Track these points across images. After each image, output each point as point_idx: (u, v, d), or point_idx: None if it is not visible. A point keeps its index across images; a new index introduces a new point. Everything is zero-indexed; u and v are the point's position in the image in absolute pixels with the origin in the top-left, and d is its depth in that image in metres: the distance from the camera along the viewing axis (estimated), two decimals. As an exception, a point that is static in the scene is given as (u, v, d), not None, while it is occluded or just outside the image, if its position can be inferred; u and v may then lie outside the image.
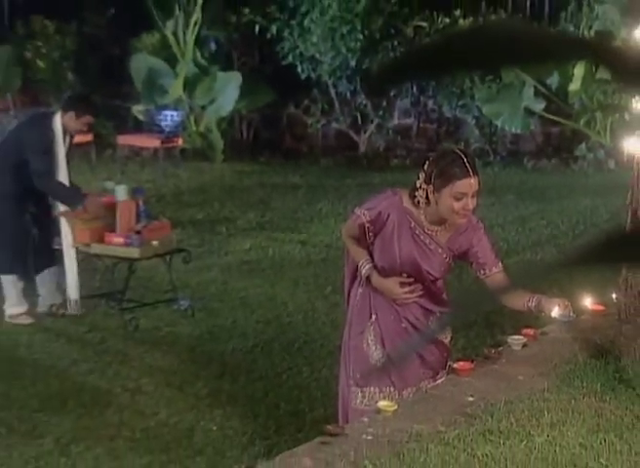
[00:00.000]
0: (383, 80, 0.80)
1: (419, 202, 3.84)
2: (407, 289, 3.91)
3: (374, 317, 4.00)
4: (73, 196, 6.85)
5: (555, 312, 3.90)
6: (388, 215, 3.89)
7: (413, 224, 3.89)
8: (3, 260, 6.92)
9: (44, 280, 7.02)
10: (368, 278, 3.95)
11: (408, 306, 3.96)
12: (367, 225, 3.92)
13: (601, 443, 3.49)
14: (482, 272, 3.95)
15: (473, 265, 3.97)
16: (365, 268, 3.93)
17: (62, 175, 6.81)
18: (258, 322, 6.92)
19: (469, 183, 3.72)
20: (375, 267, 3.93)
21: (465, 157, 3.78)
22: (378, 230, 3.91)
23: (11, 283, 6.93)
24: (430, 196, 3.78)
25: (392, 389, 3.96)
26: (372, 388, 3.98)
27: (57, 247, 6.90)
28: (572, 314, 4.00)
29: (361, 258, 3.96)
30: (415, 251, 3.90)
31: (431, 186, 3.76)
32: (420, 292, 3.95)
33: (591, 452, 3.43)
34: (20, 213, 6.83)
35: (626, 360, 4.24)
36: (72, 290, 6.99)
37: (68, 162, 6.92)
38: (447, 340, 4.10)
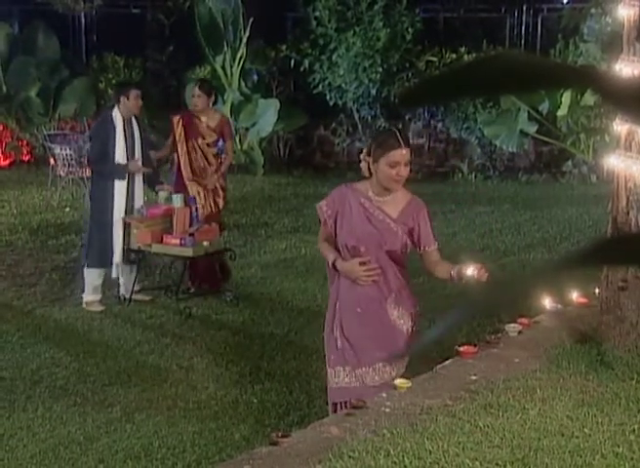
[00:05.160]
0: (405, 103, 0.79)
1: (362, 173, 3.82)
2: (365, 267, 3.77)
3: (337, 305, 3.91)
4: (117, 171, 6.76)
5: (470, 272, 3.70)
6: (340, 199, 3.86)
7: (362, 200, 3.83)
8: (95, 255, 6.87)
9: (124, 271, 7.04)
10: (334, 266, 3.84)
11: (364, 291, 3.81)
12: (325, 209, 3.89)
13: (585, 415, 3.46)
14: (421, 248, 3.85)
15: (415, 242, 3.85)
16: (330, 258, 3.84)
17: (120, 152, 6.74)
18: (292, 310, 6.91)
19: (401, 153, 3.70)
20: (338, 256, 3.84)
21: (399, 133, 3.76)
22: (334, 215, 3.86)
23: (95, 275, 6.91)
24: (371, 166, 3.76)
25: (349, 368, 3.84)
26: (337, 367, 3.88)
27: (125, 247, 6.90)
28: (485, 276, 3.73)
29: (329, 253, 3.88)
30: (367, 222, 3.81)
31: (371, 158, 3.75)
32: (378, 271, 3.80)
33: (577, 423, 3.40)
34: (108, 213, 6.83)
35: (607, 345, 4.21)
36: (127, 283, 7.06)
37: (133, 140, 6.83)
38: (405, 328, 3.85)
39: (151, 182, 7.11)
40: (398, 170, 3.71)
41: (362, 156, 3.81)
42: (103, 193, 6.79)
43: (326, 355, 3.99)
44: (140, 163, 6.88)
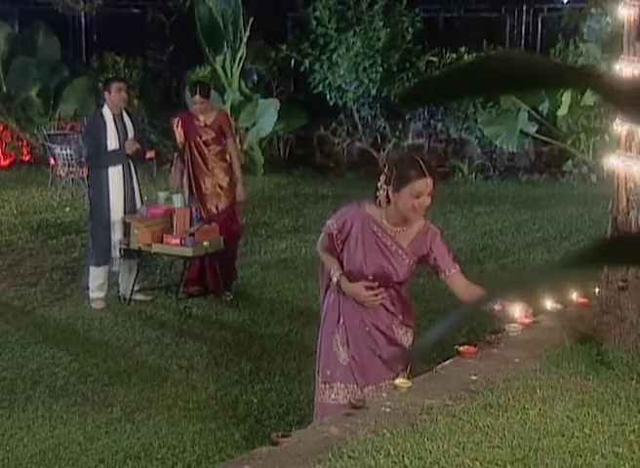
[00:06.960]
0: (405, 103, 0.79)
1: (380, 202, 3.67)
2: (372, 292, 3.69)
3: (341, 321, 3.80)
4: (117, 158, 6.78)
5: (517, 314, 3.79)
6: (352, 224, 3.73)
7: (375, 228, 3.70)
8: (97, 254, 6.89)
9: (123, 270, 7.06)
10: (338, 284, 3.73)
11: (371, 312, 3.75)
12: (335, 233, 3.75)
13: (585, 415, 3.46)
14: (442, 274, 3.75)
15: (434, 268, 3.78)
16: (335, 275, 3.73)
17: (113, 145, 6.75)
18: (292, 310, 6.91)
19: (426, 183, 3.57)
20: (344, 274, 3.73)
21: (422, 161, 3.64)
22: (344, 238, 3.74)
23: (99, 272, 6.91)
24: (391, 196, 3.62)
25: (355, 386, 3.77)
26: (339, 384, 3.81)
27: (123, 246, 6.90)
28: (532, 314, 3.84)
29: (332, 266, 3.75)
30: (378, 253, 3.70)
31: (391, 187, 3.61)
32: (384, 295, 3.73)
33: (577, 424, 3.40)
34: (106, 210, 6.82)
35: (607, 345, 4.21)
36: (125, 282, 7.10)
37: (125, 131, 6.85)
38: (407, 344, 3.83)
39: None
40: (422, 200, 3.58)
41: (379, 185, 3.66)
42: (100, 190, 6.81)
43: (321, 369, 3.90)
44: (134, 143, 6.86)
